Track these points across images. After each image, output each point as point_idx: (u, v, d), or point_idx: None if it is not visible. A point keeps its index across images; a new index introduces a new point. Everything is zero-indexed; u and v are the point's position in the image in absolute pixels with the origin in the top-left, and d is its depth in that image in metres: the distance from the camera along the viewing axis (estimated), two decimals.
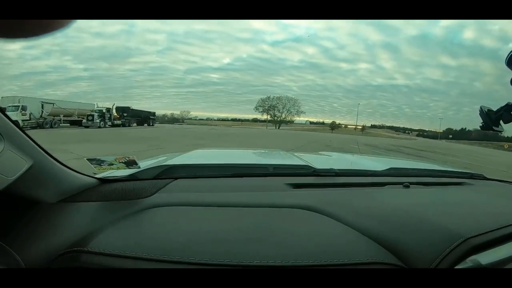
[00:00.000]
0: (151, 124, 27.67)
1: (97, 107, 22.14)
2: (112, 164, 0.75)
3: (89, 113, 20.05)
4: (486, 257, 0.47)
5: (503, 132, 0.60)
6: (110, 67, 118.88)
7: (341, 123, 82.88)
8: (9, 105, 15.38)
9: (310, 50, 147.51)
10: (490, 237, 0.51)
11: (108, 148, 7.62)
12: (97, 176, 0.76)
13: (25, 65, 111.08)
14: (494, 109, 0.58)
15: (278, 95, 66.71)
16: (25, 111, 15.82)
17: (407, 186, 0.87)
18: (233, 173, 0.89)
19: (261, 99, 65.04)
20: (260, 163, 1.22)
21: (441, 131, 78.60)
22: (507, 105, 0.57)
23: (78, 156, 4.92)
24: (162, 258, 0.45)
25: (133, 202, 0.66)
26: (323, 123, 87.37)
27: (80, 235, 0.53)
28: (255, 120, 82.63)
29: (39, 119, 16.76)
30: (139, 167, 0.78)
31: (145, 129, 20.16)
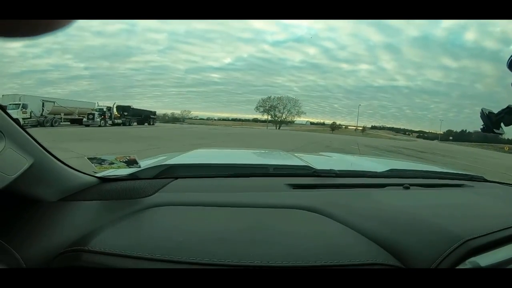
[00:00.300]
0: (151, 124, 27.60)
1: (98, 106, 22.10)
2: (113, 163, 0.75)
3: (89, 112, 20.03)
4: (485, 259, 0.47)
5: (503, 135, 0.60)
6: (111, 66, 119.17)
7: (341, 124, 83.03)
8: (10, 103, 15.38)
9: (311, 50, 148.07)
10: (489, 239, 0.51)
11: (109, 147, 7.63)
12: (97, 175, 0.76)
13: (26, 63, 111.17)
14: (495, 111, 0.58)
15: (279, 95, 66.59)
16: (25, 109, 15.83)
17: (407, 188, 0.86)
18: (233, 173, 0.89)
19: (262, 99, 64.88)
20: (260, 163, 1.22)
21: (441, 132, 78.65)
22: (508, 107, 0.57)
23: (78, 155, 4.91)
24: (162, 258, 0.45)
25: (134, 202, 0.66)
26: (323, 124, 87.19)
27: (80, 234, 0.53)
28: (255, 120, 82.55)
29: (39, 117, 16.76)
30: (140, 167, 0.78)
31: (145, 129, 20.11)
